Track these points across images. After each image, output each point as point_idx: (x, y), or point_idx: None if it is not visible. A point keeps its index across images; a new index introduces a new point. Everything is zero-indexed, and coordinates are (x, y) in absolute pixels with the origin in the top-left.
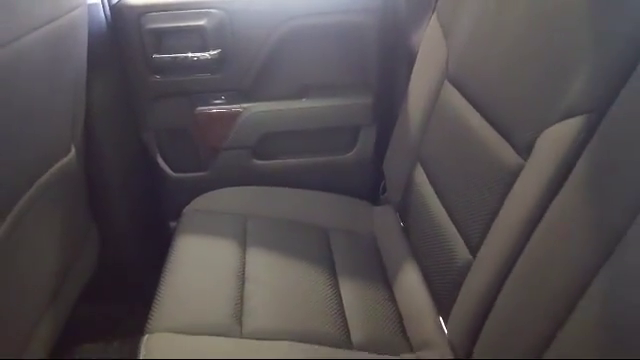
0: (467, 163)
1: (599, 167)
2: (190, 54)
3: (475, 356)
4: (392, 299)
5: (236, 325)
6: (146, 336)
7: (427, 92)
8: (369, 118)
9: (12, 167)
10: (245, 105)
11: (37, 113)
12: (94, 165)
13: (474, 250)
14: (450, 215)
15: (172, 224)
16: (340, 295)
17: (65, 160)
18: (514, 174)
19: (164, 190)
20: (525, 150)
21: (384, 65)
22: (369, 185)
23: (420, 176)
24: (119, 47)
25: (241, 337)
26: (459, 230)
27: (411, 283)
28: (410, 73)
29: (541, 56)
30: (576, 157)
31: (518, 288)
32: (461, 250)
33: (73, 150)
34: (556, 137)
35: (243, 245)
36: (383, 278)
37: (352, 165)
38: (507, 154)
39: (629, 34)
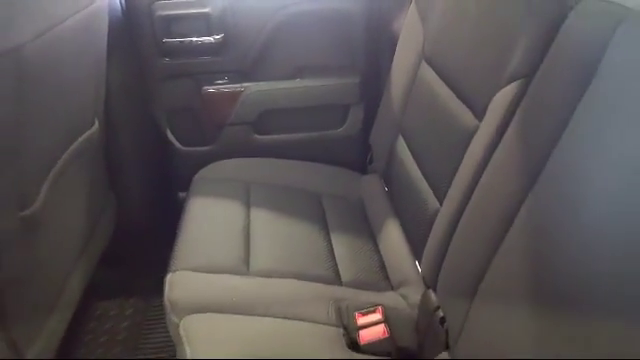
0: (437, 129)
1: (526, 122)
2: (196, 38)
3: (439, 285)
4: (376, 250)
5: (244, 266)
6: (169, 274)
7: (407, 71)
8: (357, 96)
9: (49, 138)
10: (246, 85)
11: (67, 91)
12: (111, 140)
13: (441, 199)
14: (424, 174)
15: (181, 195)
16: (332, 245)
17: (90, 132)
18: (472, 134)
19: (174, 163)
20: (481, 113)
21: (370, 48)
22: (358, 157)
23: (401, 145)
24: (133, 33)
25: (248, 275)
26: (430, 185)
27: (392, 235)
28: (393, 55)
29: (491, 29)
30: (512, 115)
31: (466, 223)
32: (431, 201)
33: (96, 123)
34: (501, 100)
35: (247, 206)
36: (369, 233)
37: (342, 139)
38: (467, 118)
39: (554, 7)
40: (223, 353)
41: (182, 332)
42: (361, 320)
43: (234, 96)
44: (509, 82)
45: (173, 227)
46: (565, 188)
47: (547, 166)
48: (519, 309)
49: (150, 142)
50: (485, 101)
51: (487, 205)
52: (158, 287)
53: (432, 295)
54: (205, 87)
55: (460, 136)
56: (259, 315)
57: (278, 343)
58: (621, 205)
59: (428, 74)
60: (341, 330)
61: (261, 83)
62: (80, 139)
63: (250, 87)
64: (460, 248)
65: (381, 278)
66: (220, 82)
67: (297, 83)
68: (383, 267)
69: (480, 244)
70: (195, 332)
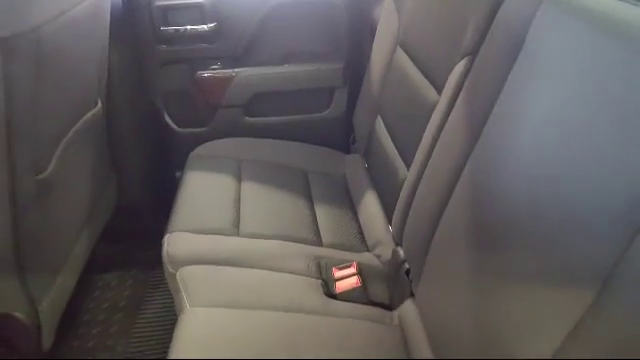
0: (408, 106)
1: (470, 93)
2: (191, 27)
3: (404, 241)
4: (355, 219)
5: (234, 229)
6: (167, 234)
7: (384, 56)
8: (341, 80)
9: (59, 113)
10: (237, 70)
11: (74, 73)
12: (112, 121)
13: (409, 167)
14: (396, 147)
15: (177, 174)
16: (315, 213)
17: (93, 111)
18: (434, 107)
19: (170, 143)
20: (441, 88)
21: (352, 36)
22: (341, 137)
23: (379, 125)
24: (133, 21)
25: (238, 236)
26: (401, 156)
27: (369, 205)
28: (373, 42)
29: (450, 12)
30: (461, 87)
31: (424, 183)
32: (402, 170)
33: (100, 104)
34: (455, 75)
35: (238, 180)
36: (350, 205)
37: (328, 121)
38: (431, 93)
39: None
40: (215, 298)
41: (179, 280)
42: (338, 273)
43: (226, 80)
44: (461, 58)
45: (170, 204)
46: (497, 146)
47: (484, 130)
48: (462, 249)
49: (148, 123)
50: (444, 77)
51: (440, 165)
52: (157, 260)
53: (400, 251)
54: (199, 72)
55: (424, 109)
56: (247, 267)
57: (264, 290)
58: (540, 157)
59: (402, 57)
60: (320, 281)
61: (252, 68)
62: (85, 117)
63: (241, 72)
64: (420, 205)
65: (358, 241)
66: (213, 67)
67: (285, 68)
68: (361, 232)
69: (434, 199)
70: (190, 280)
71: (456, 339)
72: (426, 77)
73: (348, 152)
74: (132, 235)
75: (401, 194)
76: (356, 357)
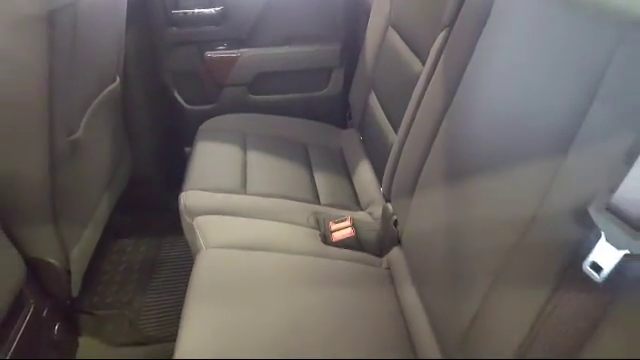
0: (397, 79)
1: (446, 61)
2: (199, 10)
3: (392, 195)
4: (351, 184)
5: (242, 188)
6: (183, 192)
7: (377, 37)
8: (338, 61)
9: (87, 83)
10: (242, 50)
11: (99, 48)
12: (127, 99)
13: (397, 132)
14: (387, 116)
15: (186, 149)
16: (314, 178)
17: (113, 86)
18: (418, 77)
19: (180, 119)
20: (425, 59)
21: (349, 19)
22: (338, 114)
23: (372, 99)
24: (146, 5)
25: (245, 194)
26: (391, 124)
27: (363, 172)
28: (367, 24)
29: None
30: (440, 56)
31: (409, 141)
32: (391, 136)
33: (118, 80)
34: (436, 46)
35: (244, 149)
36: (346, 173)
37: (325, 99)
38: (416, 65)
39: None
40: (227, 240)
41: (196, 227)
42: (334, 226)
43: (232, 61)
44: (441, 31)
45: (179, 177)
46: (467, 103)
47: (457, 91)
48: (438, 192)
49: (159, 101)
50: (427, 49)
51: (422, 125)
52: (168, 229)
53: (389, 206)
54: (207, 53)
55: (411, 80)
56: (254, 218)
57: (269, 235)
58: (498, 108)
59: (393, 37)
60: (318, 232)
61: (255, 49)
62: (106, 90)
63: (246, 52)
64: (405, 162)
65: (353, 202)
66: (220, 48)
67: (286, 49)
68: (355, 195)
69: (417, 154)
70: (205, 226)
71: (434, 275)
72: (413, 51)
73: (345, 127)
74: (145, 205)
75: (390, 156)
76: (347, 294)
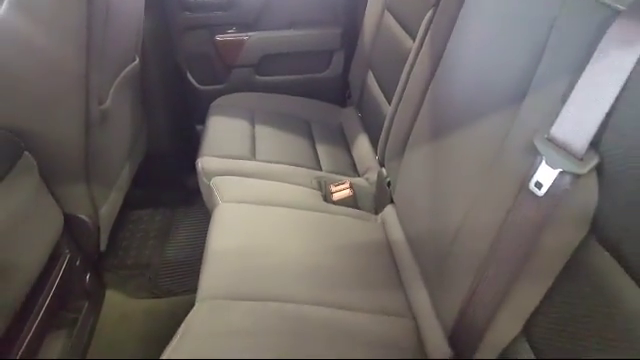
0: (391, 56)
1: (432, 35)
2: None
3: (386, 159)
4: (350, 156)
5: (252, 155)
6: (199, 158)
7: (375, 20)
8: (338, 43)
9: (114, 58)
10: (250, 34)
11: (122, 28)
12: (144, 79)
13: (390, 102)
14: (383, 92)
15: (198, 127)
16: (316, 150)
17: (133, 64)
18: (409, 53)
19: (192, 99)
20: (415, 37)
21: (348, 4)
22: (339, 94)
23: (370, 78)
24: None
25: (254, 160)
26: (386, 97)
27: (361, 144)
28: (365, 9)
29: None
30: (427, 32)
31: (400, 108)
32: (385, 107)
33: (137, 59)
34: (424, 24)
35: (252, 123)
36: (345, 146)
37: (327, 79)
38: (408, 43)
39: None
40: (240, 196)
41: (212, 186)
42: (334, 188)
43: (240, 43)
44: (428, 10)
45: (192, 154)
46: (448, 69)
47: (441, 60)
48: (423, 150)
49: (173, 81)
50: (417, 27)
51: (411, 93)
52: (181, 201)
53: (383, 170)
54: (217, 36)
55: (403, 56)
56: (263, 179)
57: (277, 193)
58: (473, 69)
59: (389, 19)
60: (319, 193)
61: (262, 32)
62: (128, 68)
63: (253, 36)
64: (397, 127)
65: (351, 170)
66: (229, 32)
67: (290, 32)
68: (354, 164)
69: (407, 119)
70: (221, 185)
71: (418, 219)
72: (405, 30)
73: (344, 106)
74: (159, 180)
75: (384, 124)
76: (345, 241)
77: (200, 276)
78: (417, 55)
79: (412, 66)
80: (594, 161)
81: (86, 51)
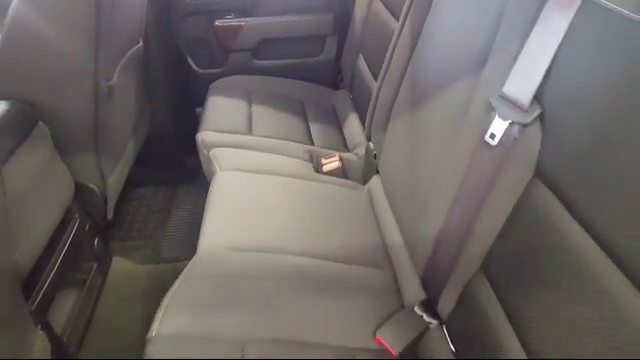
0: (379, 39)
1: (412, 14)
2: None
3: (372, 134)
4: (341, 133)
5: (248, 131)
6: (199, 132)
7: (365, 6)
8: (331, 29)
9: (121, 37)
10: (247, 19)
11: (128, 13)
12: (146, 62)
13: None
14: (370, 72)
15: (198, 110)
16: (309, 127)
17: (138, 46)
18: (393, 33)
19: (192, 82)
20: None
21: None
22: (332, 77)
23: (361, 61)
24: None
25: (251, 135)
26: (374, 77)
27: (352, 122)
28: None
29: None
30: (409, 11)
31: (385, 82)
32: (373, 86)
33: (141, 42)
34: (406, 5)
35: (249, 103)
36: (337, 125)
37: (320, 63)
38: (394, 25)
39: None
40: (237, 165)
41: (211, 157)
42: (324, 160)
43: (238, 29)
44: None
45: (191, 135)
46: (426, 45)
47: (420, 38)
48: (402, 119)
49: (174, 65)
50: (401, 9)
51: (394, 69)
52: (182, 180)
53: (370, 143)
54: (216, 21)
55: (390, 39)
56: (258, 151)
57: (271, 163)
58: (446, 41)
59: (377, 5)
60: (311, 164)
61: (258, 18)
62: (133, 49)
63: (250, 21)
64: (381, 102)
65: (342, 146)
66: (227, 17)
67: (286, 18)
68: (344, 141)
69: (390, 94)
70: (219, 155)
71: (399, 188)
72: (391, 13)
73: (337, 89)
74: (160, 160)
75: (371, 101)
76: (333, 205)
77: (200, 233)
78: (399, 35)
79: (395, 46)
80: (537, 112)
81: (95, 32)
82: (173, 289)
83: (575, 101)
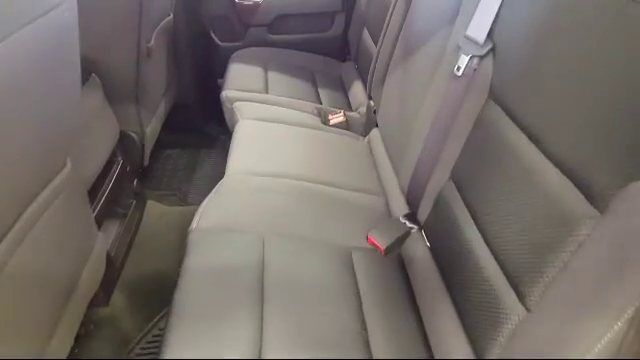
0: (380, 13)
1: None
2: None
3: (372, 93)
4: (346, 97)
5: (265, 91)
6: (223, 91)
7: None
8: (340, 6)
9: (156, 9)
10: None
11: None
12: (175, 36)
13: None
14: (374, 43)
15: (219, 80)
16: (318, 92)
17: (168, 19)
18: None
19: (214, 54)
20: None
21: None
22: (340, 50)
23: (365, 34)
24: None
25: (268, 94)
26: (376, 47)
27: (356, 88)
28: None
29: None
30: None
31: (382, 50)
32: (375, 53)
33: (171, 15)
34: None
35: (265, 70)
36: (343, 90)
37: (330, 38)
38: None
39: None
40: (256, 114)
41: (235, 109)
42: (330, 116)
43: (256, 5)
44: None
45: (213, 104)
46: (412, 16)
47: (410, 8)
48: (397, 74)
49: (199, 39)
50: None
51: (390, 36)
52: (204, 145)
53: (370, 102)
54: None
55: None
56: (274, 105)
57: (286, 115)
58: (423, 13)
59: None
60: (319, 119)
61: None
62: (165, 20)
63: None
64: (380, 64)
65: (347, 107)
66: None
67: None
68: (349, 103)
69: (387, 53)
70: (241, 107)
71: (392, 131)
72: None
73: (344, 61)
74: (185, 126)
75: (371, 66)
76: (337, 148)
77: (227, 164)
78: (396, 4)
79: (391, 14)
80: (489, 46)
81: (139, 5)
82: (206, 199)
83: (517, 35)
